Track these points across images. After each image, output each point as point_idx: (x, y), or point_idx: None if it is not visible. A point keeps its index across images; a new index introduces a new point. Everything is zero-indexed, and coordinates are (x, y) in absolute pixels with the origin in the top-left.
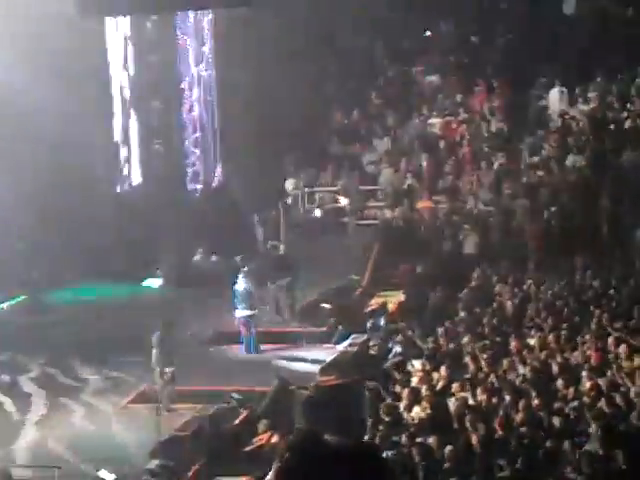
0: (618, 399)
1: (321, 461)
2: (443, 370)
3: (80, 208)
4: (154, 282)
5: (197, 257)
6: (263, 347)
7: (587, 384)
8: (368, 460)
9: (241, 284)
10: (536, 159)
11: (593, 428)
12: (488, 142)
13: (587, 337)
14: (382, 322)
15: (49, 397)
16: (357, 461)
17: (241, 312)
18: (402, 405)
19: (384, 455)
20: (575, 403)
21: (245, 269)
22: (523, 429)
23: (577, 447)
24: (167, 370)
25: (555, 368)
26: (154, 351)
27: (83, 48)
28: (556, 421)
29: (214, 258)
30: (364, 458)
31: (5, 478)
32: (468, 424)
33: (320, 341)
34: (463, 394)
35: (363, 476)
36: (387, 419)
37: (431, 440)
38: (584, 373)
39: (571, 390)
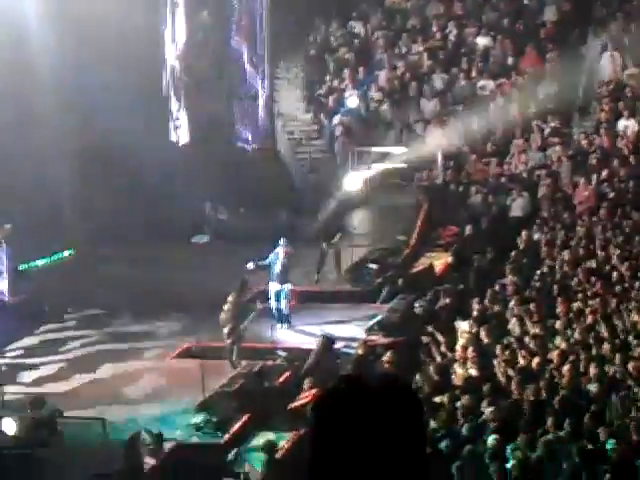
0: None
1: (352, 402)
2: (489, 332)
3: (131, 165)
4: (201, 239)
5: (244, 214)
6: (309, 305)
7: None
8: (400, 393)
9: (278, 256)
10: (587, 123)
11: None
12: (539, 105)
13: (633, 304)
14: (427, 283)
15: (95, 352)
16: (390, 396)
17: (273, 285)
18: (450, 366)
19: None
20: (620, 368)
21: (285, 242)
22: (566, 392)
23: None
24: (241, 327)
25: (604, 333)
26: (224, 310)
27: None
28: (594, 387)
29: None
30: (395, 391)
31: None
32: (514, 386)
33: (366, 301)
34: (508, 356)
35: (396, 409)
36: (436, 378)
37: (475, 401)
38: (631, 339)
39: (617, 355)
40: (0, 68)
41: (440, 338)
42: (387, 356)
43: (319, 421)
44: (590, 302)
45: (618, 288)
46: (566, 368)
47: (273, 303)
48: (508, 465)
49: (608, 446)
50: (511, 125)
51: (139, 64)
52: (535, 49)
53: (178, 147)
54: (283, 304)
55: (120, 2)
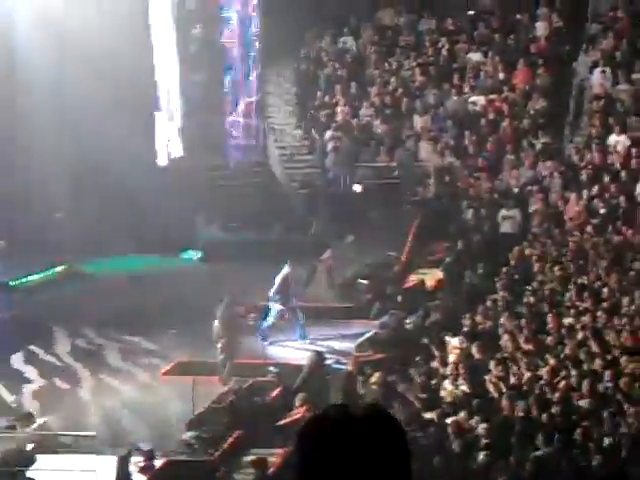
0: None
1: (335, 435)
2: (480, 347)
3: (122, 181)
4: (192, 254)
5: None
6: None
7: (626, 367)
8: (380, 422)
9: (283, 273)
10: (578, 139)
11: (629, 411)
12: (530, 120)
13: (624, 320)
14: (418, 299)
15: (86, 368)
16: (369, 426)
17: (277, 305)
18: (441, 382)
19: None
20: (610, 384)
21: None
22: (557, 408)
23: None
24: (230, 344)
25: (594, 348)
26: (215, 325)
27: (126, 23)
28: (585, 403)
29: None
30: (375, 420)
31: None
32: (505, 402)
33: (357, 317)
34: (500, 372)
35: (377, 439)
36: (422, 396)
37: (466, 417)
38: (620, 355)
39: (608, 372)
40: None
41: (436, 353)
42: (375, 377)
43: (304, 449)
44: (581, 318)
45: (609, 304)
46: (561, 384)
47: (272, 319)
48: None
49: (598, 462)
50: (502, 140)
51: (131, 80)
52: (526, 65)
53: (169, 161)
54: (300, 317)
55: (111, 18)
